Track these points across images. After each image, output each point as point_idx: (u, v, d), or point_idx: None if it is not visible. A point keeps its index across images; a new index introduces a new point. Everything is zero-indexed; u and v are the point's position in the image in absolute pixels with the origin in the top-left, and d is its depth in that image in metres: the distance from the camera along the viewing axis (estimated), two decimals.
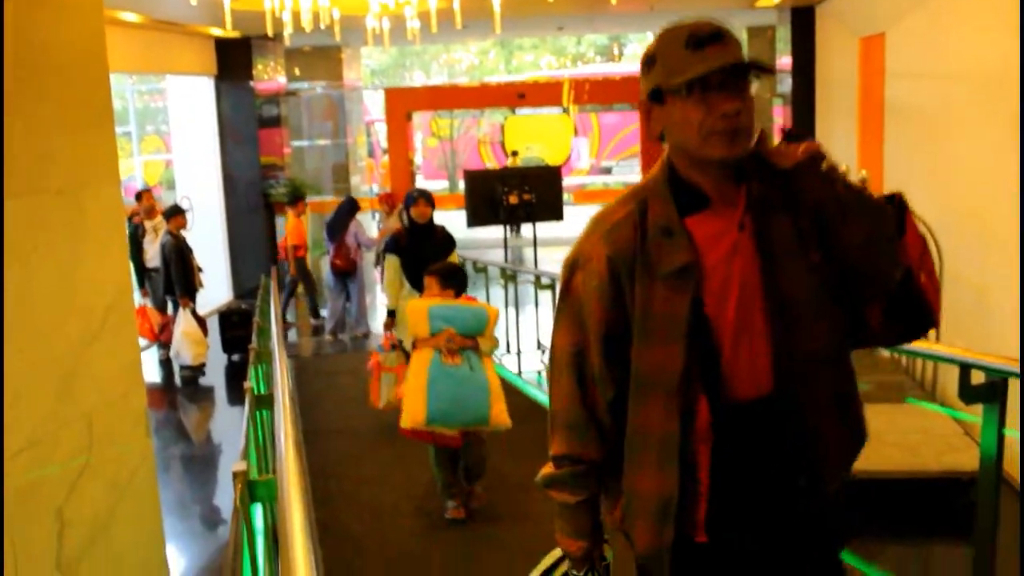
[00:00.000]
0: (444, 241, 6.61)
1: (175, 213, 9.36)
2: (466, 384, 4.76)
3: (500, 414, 4.84)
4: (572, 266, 1.94)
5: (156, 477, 3.82)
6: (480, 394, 4.79)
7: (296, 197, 11.62)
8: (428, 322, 4.86)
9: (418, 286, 5.83)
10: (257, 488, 2.74)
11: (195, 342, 9.22)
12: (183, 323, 9.20)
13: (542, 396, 7.74)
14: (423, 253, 6.12)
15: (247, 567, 2.86)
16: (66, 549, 3.17)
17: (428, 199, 6.60)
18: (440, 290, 5.08)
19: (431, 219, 6.59)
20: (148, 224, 9.87)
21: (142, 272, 9.85)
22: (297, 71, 15.14)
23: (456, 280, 5.19)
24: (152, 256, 9.67)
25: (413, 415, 4.71)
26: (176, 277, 9.18)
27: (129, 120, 15.00)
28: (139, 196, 10.15)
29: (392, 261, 6.49)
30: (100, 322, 3.37)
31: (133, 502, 3.63)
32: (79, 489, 3.25)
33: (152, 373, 9.76)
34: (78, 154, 3.27)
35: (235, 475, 2.58)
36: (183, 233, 9.44)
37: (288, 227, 11.46)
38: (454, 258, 6.55)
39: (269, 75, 13.91)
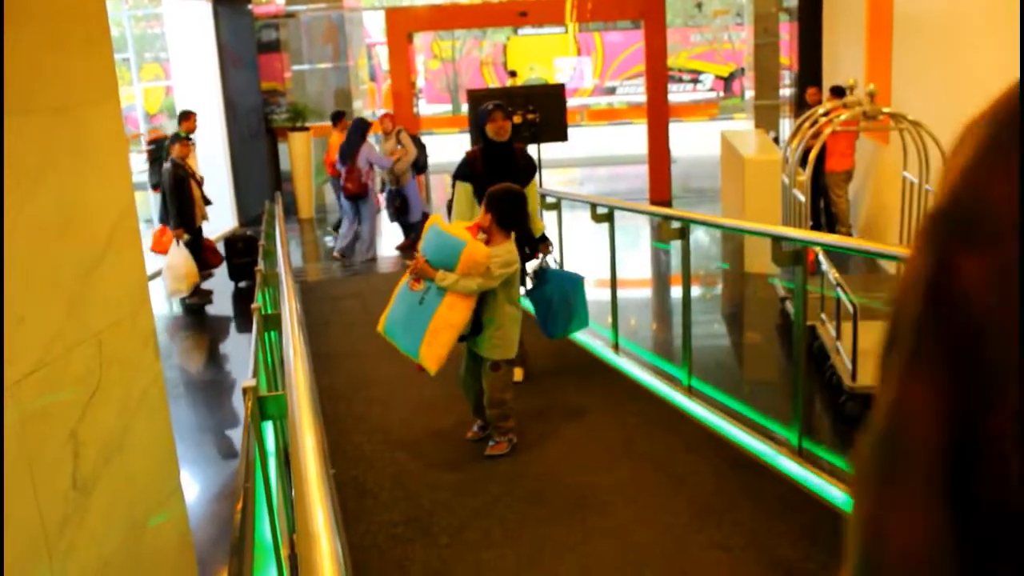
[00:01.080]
0: (525, 166, 5.62)
1: (175, 140, 9.28)
2: (411, 313, 4.58)
3: (426, 357, 4.51)
4: (950, 238, 0.69)
5: (167, 398, 3.85)
6: (417, 328, 4.53)
7: (338, 114, 11.85)
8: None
9: None
10: (267, 404, 2.76)
11: (175, 277, 9.09)
12: (171, 254, 9.09)
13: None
14: (502, 179, 5.03)
15: (260, 485, 2.89)
16: (82, 469, 3.20)
17: (505, 112, 5.55)
18: (483, 215, 4.74)
19: (511, 138, 5.58)
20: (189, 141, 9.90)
21: None
22: None
23: (498, 207, 4.68)
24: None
25: (381, 319, 4.81)
26: (171, 207, 9.07)
27: (127, 47, 14.78)
28: (184, 116, 10.14)
29: (464, 189, 5.51)
30: (105, 243, 3.36)
31: (145, 422, 3.66)
32: (92, 410, 3.27)
33: (161, 301, 9.79)
34: (75, 73, 3.22)
35: (245, 391, 2.60)
36: (192, 163, 9.37)
37: (331, 143, 11.62)
38: (532, 189, 5.57)
39: None
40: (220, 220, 12.96)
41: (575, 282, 5.75)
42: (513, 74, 21.04)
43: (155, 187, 10.33)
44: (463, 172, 5.55)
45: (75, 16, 3.26)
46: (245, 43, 13.29)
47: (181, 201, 9.10)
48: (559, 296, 5.57)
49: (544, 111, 9.75)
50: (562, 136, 10.38)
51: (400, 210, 11.06)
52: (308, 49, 15.63)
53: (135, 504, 3.60)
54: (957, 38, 6.95)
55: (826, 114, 7.36)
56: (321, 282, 10.20)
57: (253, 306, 4.21)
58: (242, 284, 9.92)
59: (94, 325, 3.30)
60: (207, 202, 9.58)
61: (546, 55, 25.23)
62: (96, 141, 3.33)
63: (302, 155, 13.25)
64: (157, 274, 10.11)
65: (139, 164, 13.77)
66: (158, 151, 10.31)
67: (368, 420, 5.56)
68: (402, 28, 13.86)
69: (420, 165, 11.41)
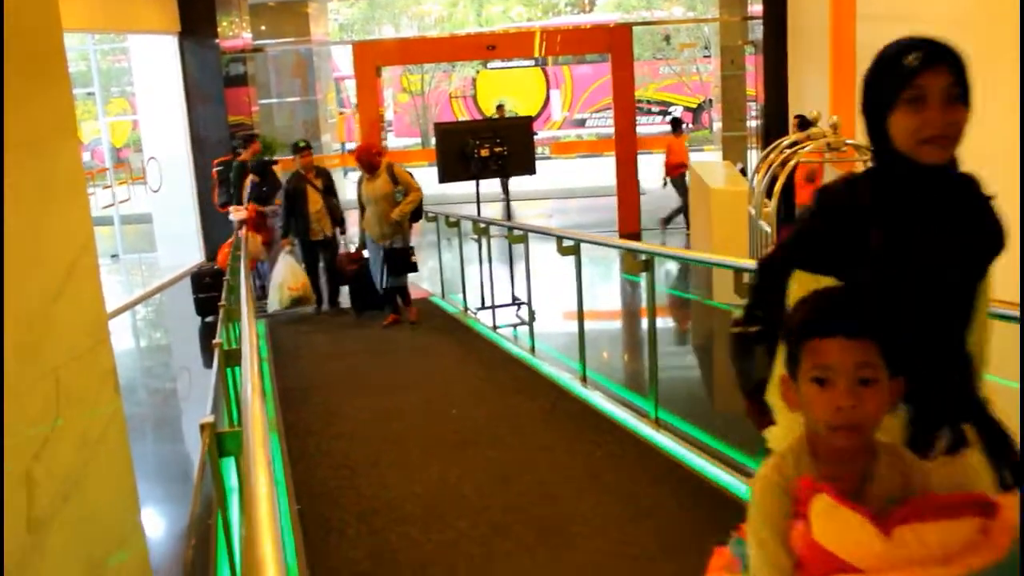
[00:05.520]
0: (986, 226, 2.07)
1: (301, 151, 9.55)
2: None
3: None
4: None
5: (127, 435, 3.79)
6: None
7: (677, 122, 13.59)
8: None
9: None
10: (226, 441, 2.72)
11: (272, 287, 9.53)
12: (277, 265, 9.58)
13: (515, 349, 7.76)
14: (934, 253, 1.99)
15: (219, 520, 2.85)
16: (37, 509, 3.14)
17: (959, 80, 1.98)
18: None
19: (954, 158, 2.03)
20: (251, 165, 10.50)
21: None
22: (263, 27, 14.95)
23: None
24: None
25: None
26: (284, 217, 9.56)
27: (93, 81, 14.74)
28: (248, 140, 10.83)
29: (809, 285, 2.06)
30: (64, 278, 3.32)
31: (104, 460, 3.60)
32: (48, 448, 3.22)
33: (123, 336, 9.67)
34: (33, 110, 3.20)
35: (202, 428, 2.57)
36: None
37: (674, 147, 13.25)
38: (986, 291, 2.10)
39: (234, 32, 13.72)
40: (187, 254, 12.90)
41: None
42: (501, 107, 20.38)
43: (223, 206, 10.74)
44: (803, 240, 2.15)
45: (32, 53, 3.23)
46: (212, 77, 13.27)
47: (291, 212, 9.43)
48: None
49: (511, 144, 9.77)
50: (530, 169, 10.42)
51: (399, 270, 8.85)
52: (276, 83, 15.64)
53: (94, 543, 3.53)
54: None
55: (792, 145, 7.43)
56: (290, 316, 10.13)
57: (215, 342, 4.17)
58: (208, 319, 9.83)
59: (52, 361, 3.25)
60: (333, 215, 9.70)
61: (516, 88, 25.35)
62: (55, 177, 3.30)
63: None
64: (119, 311, 10.04)
65: (104, 198, 13.72)
66: (226, 171, 10.76)
67: (334, 455, 5.51)
68: (370, 62, 13.90)
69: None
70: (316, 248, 9.67)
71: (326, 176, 9.76)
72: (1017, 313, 3.10)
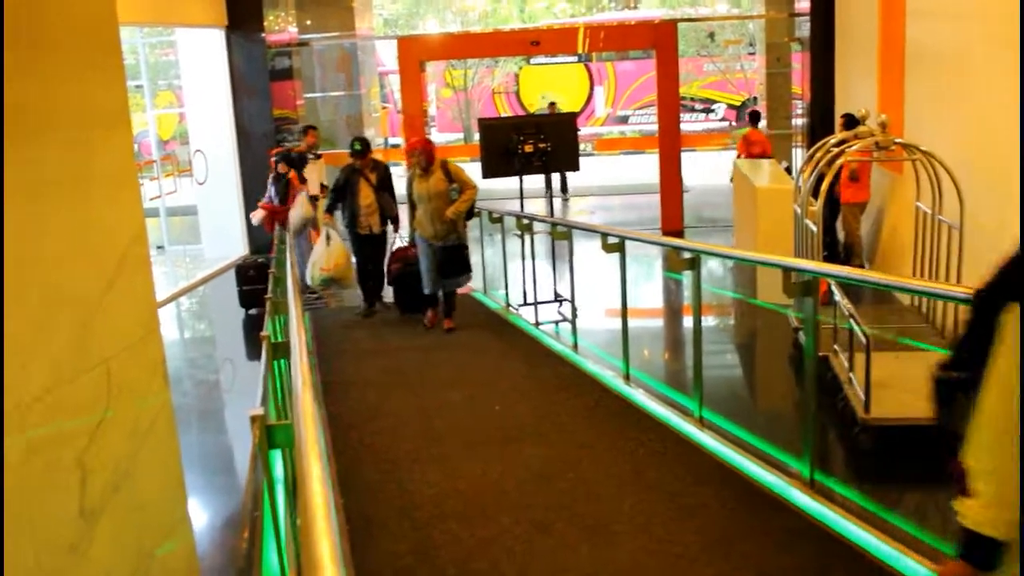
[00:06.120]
0: None
1: (355, 154, 9.41)
2: None
3: None
4: None
5: (175, 425, 3.83)
6: None
7: (755, 115, 13.33)
8: None
9: None
10: (275, 433, 2.74)
11: (311, 263, 9.43)
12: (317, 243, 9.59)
13: (558, 345, 7.74)
14: None
15: (267, 514, 2.87)
16: (89, 497, 3.18)
17: None
18: None
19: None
20: (310, 156, 10.91)
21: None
22: (309, 22, 15.03)
23: None
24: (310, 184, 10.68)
25: None
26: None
27: (141, 74, 14.91)
28: (306, 130, 11.24)
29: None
30: (115, 269, 3.35)
31: (153, 449, 3.63)
32: (99, 437, 3.25)
33: (171, 328, 9.77)
34: (87, 99, 3.23)
35: (253, 420, 2.58)
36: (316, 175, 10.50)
37: (753, 138, 12.79)
38: None
39: (280, 26, 13.82)
40: (232, 247, 13.02)
41: None
42: (553, 104, 20.19)
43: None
44: None
45: (89, 43, 3.27)
46: (258, 71, 13.37)
47: (335, 196, 9.34)
48: None
49: (556, 140, 9.74)
50: (574, 166, 10.39)
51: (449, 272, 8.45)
52: (321, 77, 15.72)
53: (143, 532, 3.57)
54: (969, 68, 6.94)
55: (839, 144, 7.34)
56: (333, 310, 10.19)
57: (262, 334, 4.20)
58: (252, 311, 9.91)
59: (103, 351, 3.29)
60: (385, 213, 9.38)
61: (559, 84, 25.26)
62: (107, 167, 3.33)
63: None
64: (164, 302, 10.15)
65: (150, 190, 13.88)
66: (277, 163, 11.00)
67: (376, 450, 5.53)
68: (414, 57, 13.92)
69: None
70: (364, 243, 9.36)
71: (383, 170, 9.38)
72: None
